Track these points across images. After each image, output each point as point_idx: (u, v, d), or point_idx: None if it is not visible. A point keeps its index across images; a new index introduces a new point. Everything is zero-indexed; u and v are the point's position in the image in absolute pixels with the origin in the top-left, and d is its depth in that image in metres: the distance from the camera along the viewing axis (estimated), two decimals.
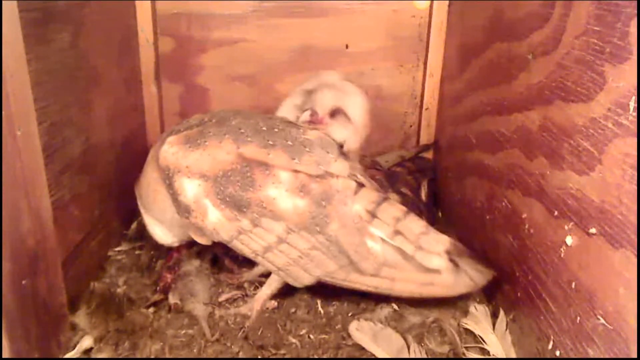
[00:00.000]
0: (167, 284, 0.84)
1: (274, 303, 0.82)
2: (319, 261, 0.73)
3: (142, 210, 0.82)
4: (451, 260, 0.74)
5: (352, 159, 0.79)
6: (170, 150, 0.72)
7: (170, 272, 0.86)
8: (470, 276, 0.75)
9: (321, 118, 0.87)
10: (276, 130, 0.73)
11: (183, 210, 0.72)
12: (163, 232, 0.82)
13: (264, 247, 0.72)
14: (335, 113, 0.88)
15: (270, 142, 0.71)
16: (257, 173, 0.70)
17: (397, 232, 0.73)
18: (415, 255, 0.73)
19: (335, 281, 0.75)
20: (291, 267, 0.74)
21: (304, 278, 0.75)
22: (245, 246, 0.73)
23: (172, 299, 0.82)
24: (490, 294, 0.84)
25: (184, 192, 0.71)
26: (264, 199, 0.70)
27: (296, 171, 0.71)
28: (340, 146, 0.81)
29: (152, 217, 0.81)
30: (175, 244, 0.85)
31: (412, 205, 0.96)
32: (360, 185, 0.74)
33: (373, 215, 0.73)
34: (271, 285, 0.81)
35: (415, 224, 0.74)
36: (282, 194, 0.70)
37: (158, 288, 0.84)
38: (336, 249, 0.72)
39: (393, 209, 0.74)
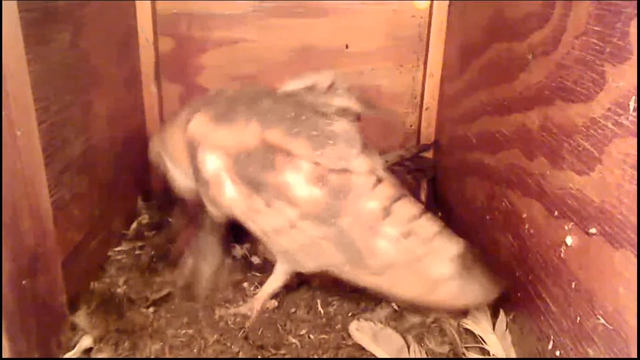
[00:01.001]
0: (184, 245, 0.88)
1: (274, 303, 0.82)
2: (327, 251, 0.72)
3: (168, 166, 0.83)
4: (464, 267, 0.70)
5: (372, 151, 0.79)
6: (197, 124, 0.74)
7: (189, 233, 0.89)
8: (480, 288, 0.71)
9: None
10: (303, 118, 0.73)
11: (202, 182, 0.74)
12: (188, 186, 0.82)
13: (274, 228, 0.73)
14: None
15: (295, 131, 0.71)
16: (278, 158, 0.70)
17: (410, 232, 0.70)
18: (424, 259, 0.70)
19: (339, 273, 0.74)
20: (298, 252, 0.74)
21: (309, 264, 0.75)
22: (256, 225, 0.74)
23: (179, 278, 0.86)
24: None
25: (205, 165, 0.72)
26: (281, 183, 0.70)
27: (317, 162, 0.70)
28: (358, 118, 0.80)
29: (181, 173, 0.82)
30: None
31: None
32: (379, 180, 0.72)
33: (387, 212, 0.71)
34: (271, 285, 0.81)
35: (430, 224, 0.72)
36: (300, 182, 0.70)
37: (176, 245, 0.88)
38: (346, 242, 0.71)
39: (409, 206, 0.72)
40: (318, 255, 0.73)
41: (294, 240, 0.73)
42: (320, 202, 0.70)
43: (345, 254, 0.71)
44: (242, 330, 0.78)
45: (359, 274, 0.73)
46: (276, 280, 0.81)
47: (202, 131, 0.73)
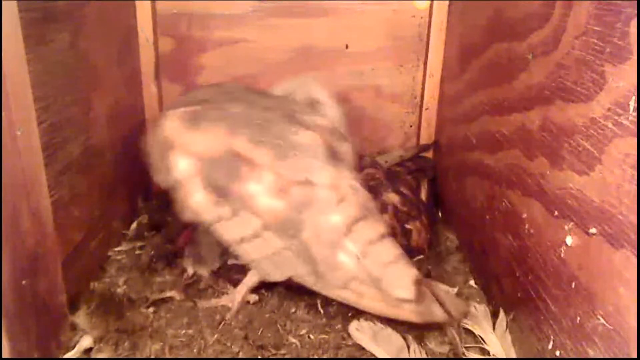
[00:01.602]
0: (185, 242, 0.92)
1: (255, 297, 0.83)
2: (290, 262, 0.73)
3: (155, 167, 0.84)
4: (424, 292, 0.71)
5: (347, 146, 0.79)
6: (169, 125, 0.74)
7: (188, 233, 0.93)
8: (441, 310, 0.72)
9: None
10: (271, 125, 0.74)
11: (172, 184, 0.74)
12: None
13: (240, 237, 0.73)
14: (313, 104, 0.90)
15: (261, 139, 0.72)
16: (243, 167, 0.71)
17: (369, 254, 0.71)
18: (381, 281, 0.71)
19: (306, 284, 0.75)
20: (263, 262, 0.75)
21: (275, 274, 0.76)
22: (223, 233, 0.75)
23: (187, 265, 0.89)
24: (490, 294, 0.85)
25: (175, 167, 0.73)
26: (244, 193, 0.70)
27: (279, 173, 0.71)
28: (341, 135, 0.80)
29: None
30: None
31: (412, 205, 0.96)
32: (344, 196, 0.73)
33: (348, 230, 0.71)
34: (252, 278, 0.81)
35: (386, 252, 0.72)
36: (262, 192, 0.70)
37: (177, 243, 0.93)
38: (306, 255, 0.71)
39: (370, 229, 0.73)
40: (282, 265, 0.74)
41: (258, 250, 0.74)
42: (281, 213, 0.70)
43: (307, 267, 0.72)
44: (223, 322, 0.78)
45: (324, 287, 0.74)
46: (254, 274, 0.81)
47: (173, 133, 0.74)
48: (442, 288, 0.79)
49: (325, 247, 0.71)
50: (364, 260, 0.71)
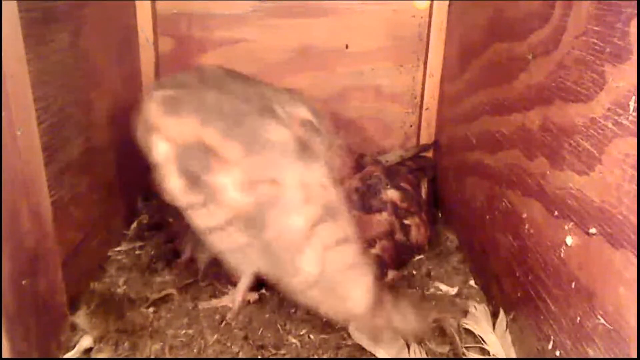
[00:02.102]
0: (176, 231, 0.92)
1: (255, 295, 0.83)
2: (254, 259, 0.72)
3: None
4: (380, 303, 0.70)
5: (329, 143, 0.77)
6: (151, 107, 0.74)
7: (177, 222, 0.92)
8: (396, 321, 0.71)
9: None
10: (243, 118, 0.72)
11: (154, 165, 0.73)
12: None
13: (208, 227, 0.73)
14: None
15: (231, 132, 0.70)
16: (211, 159, 0.70)
17: (328, 257, 0.69)
18: (337, 287, 0.69)
19: (272, 282, 0.74)
20: (229, 255, 0.74)
21: (240, 269, 0.76)
22: (194, 220, 0.74)
23: (185, 248, 0.90)
24: (490, 294, 0.85)
25: (155, 149, 0.72)
26: (212, 185, 0.70)
27: (246, 169, 0.70)
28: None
29: None
30: None
31: (412, 201, 0.96)
32: (309, 197, 0.70)
33: (312, 232, 0.69)
34: (246, 277, 0.81)
35: (347, 254, 0.70)
36: (229, 186, 0.69)
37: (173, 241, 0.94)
38: (268, 255, 0.70)
39: (334, 231, 0.70)
40: (247, 261, 0.73)
41: (223, 243, 0.73)
42: (245, 209, 0.69)
43: (270, 266, 0.71)
44: (224, 322, 0.79)
45: (286, 288, 0.72)
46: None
47: (153, 115, 0.73)
48: (403, 304, 0.75)
49: (287, 250, 0.69)
50: (326, 262, 0.69)
